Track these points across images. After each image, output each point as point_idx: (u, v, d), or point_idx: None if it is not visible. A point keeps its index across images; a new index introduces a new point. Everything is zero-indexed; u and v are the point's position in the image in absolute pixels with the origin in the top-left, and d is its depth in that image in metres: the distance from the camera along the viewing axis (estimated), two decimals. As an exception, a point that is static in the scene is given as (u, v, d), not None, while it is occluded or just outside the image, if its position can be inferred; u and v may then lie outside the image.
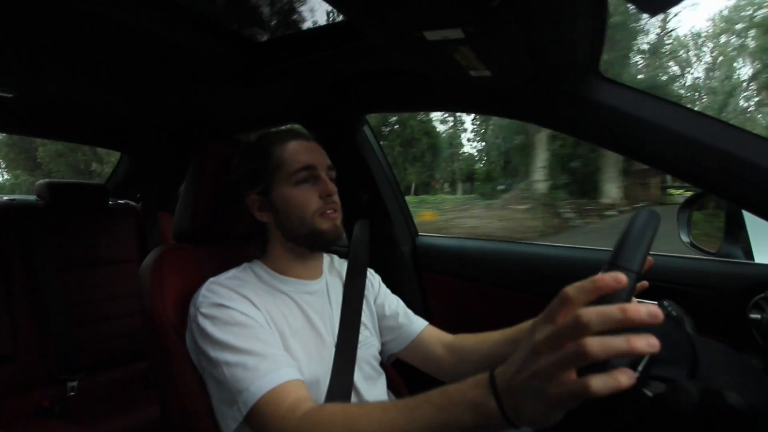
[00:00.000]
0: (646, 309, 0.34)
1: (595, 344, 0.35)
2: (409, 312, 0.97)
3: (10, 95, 1.30)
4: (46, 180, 1.56)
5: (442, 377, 0.89)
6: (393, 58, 0.97)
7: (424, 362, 0.91)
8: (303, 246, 0.80)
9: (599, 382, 0.35)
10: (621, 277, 0.37)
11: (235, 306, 0.69)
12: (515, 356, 0.43)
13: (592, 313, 0.35)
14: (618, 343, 0.34)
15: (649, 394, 0.38)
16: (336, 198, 0.80)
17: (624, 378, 0.34)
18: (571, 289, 0.38)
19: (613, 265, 0.45)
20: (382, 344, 0.93)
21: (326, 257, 0.93)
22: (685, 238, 1.05)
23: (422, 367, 0.92)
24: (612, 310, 0.35)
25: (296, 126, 1.46)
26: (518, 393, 0.41)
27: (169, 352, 0.74)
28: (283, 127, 1.05)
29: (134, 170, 1.99)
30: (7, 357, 1.29)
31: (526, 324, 0.80)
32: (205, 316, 0.68)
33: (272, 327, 0.71)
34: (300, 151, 0.79)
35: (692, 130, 0.75)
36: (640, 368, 0.39)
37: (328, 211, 0.78)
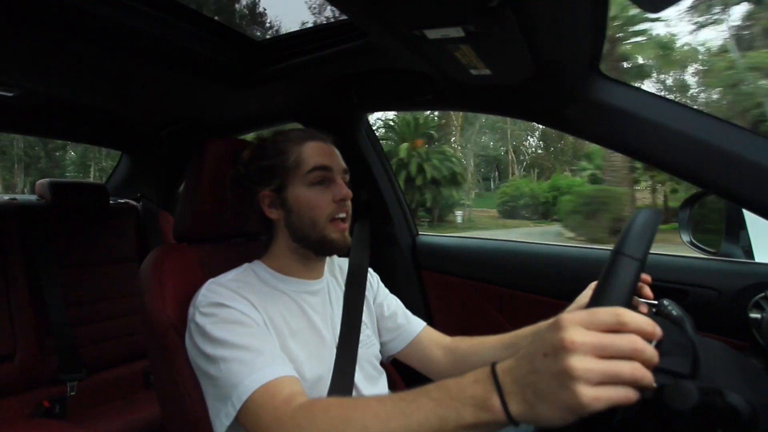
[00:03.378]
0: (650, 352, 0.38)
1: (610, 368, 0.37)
2: (408, 313, 0.97)
3: (11, 95, 1.30)
4: (47, 179, 1.56)
5: (438, 379, 0.89)
6: (393, 57, 0.97)
7: (421, 363, 0.92)
8: (309, 249, 0.80)
9: (604, 395, 0.36)
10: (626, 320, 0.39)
11: (235, 305, 0.69)
12: (526, 355, 0.42)
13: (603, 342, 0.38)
14: (626, 371, 0.37)
15: (654, 385, 0.38)
16: (349, 203, 0.80)
17: (626, 393, 0.37)
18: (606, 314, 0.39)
19: (618, 253, 0.45)
20: (381, 344, 0.93)
21: (327, 257, 0.93)
22: (685, 238, 1.05)
23: (419, 368, 0.92)
24: (625, 343, 0.38)
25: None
26: (529, 392, 0.40)
27: (169, 352, 0.74)
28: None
29: (134, 170, 1.99)
30: (7, 356, 1.29)
31: (524, 331, 0.81)
32: (204, 314, 0.68)
33: (270, 329, 0.71)
34: (318, 152, 0.79)
35: (693, 128, 0.75)
36: None
37: (341, 216, 0.78)
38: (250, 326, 0.68)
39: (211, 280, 0.74)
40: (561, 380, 0.37)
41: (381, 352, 0.92)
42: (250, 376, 0.61)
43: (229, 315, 0.68)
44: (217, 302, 0.69)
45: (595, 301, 0.44)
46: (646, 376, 0.37)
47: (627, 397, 0.36)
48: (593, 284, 0.78)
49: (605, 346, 0.37)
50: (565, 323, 0.39)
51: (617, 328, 0.38)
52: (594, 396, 0.36)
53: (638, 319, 0.38)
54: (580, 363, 0.36)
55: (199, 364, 0.68)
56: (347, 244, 0.80)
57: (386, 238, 1.42)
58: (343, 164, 0.83)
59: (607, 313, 0.39)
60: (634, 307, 0.65)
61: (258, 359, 0.63)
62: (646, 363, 0.38)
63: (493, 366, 0.45)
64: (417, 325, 0.94)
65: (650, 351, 0.38)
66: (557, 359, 0.38)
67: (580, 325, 0.38)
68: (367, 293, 0.92)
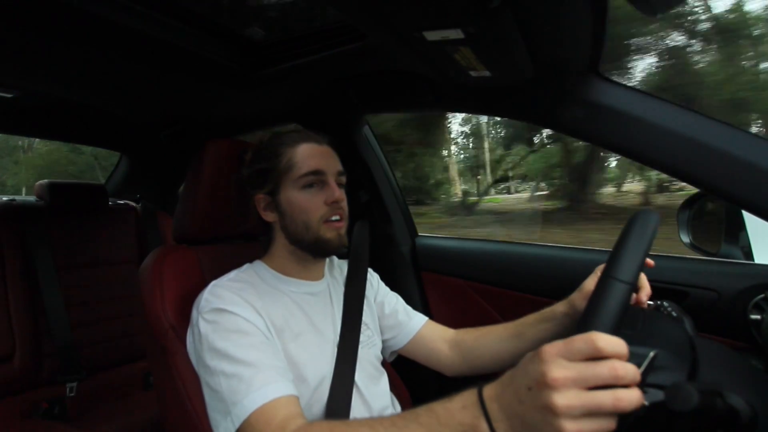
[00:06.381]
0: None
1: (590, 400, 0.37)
2: (409, 309, 0.97)
3: (10, 95, 1.30)
4: (47, 180, 1.55)
5: (446, 372, 0.90)
6: (393, 59, 0.97)
7: (426, 358, 0.92)
8: (305, 251, 0.80)
9: (587, 428, 0.37)
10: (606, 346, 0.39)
11: (238, 311, 0.69)
12: (511, 384, 0.42)
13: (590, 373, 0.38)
14: (606, 401, 0.37)
15: (646, 403, 0.38)
16: (343, 205, 0.79)
17: (608, 424, 0.37)
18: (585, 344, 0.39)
19: (607, 276, 0.45)
20: (384, 341, 0.93)
21: (326, 259, 0.93)
22: (685, 239, 1.05)
23: (425, 363, 0.92)
24: (603, 372, 0.38)
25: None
26: (516, 422, 0.41)
27: (169, 353, 0.74)
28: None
29: (134, 170, 1.99)
30: (6, 357, 1.28)
31: (528, 319, 0.81)
32: (207, 321, 0.68)
33: (273, 333, 0.71)
34: (310, 154, 0.78)
35: (692, 130, 0.75)
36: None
37: (334, 218, 0.78)
38: (252, 335, 0.68)
39: (213, 283, 0.74)
40: (545, 415, 0.38)
41: (385, 349, 0.93)
42: (248, 395, 0.61)
43: (232, 323, 0.67)
44: (220, 308, 0.68)
45: (582, 326, 0.44)
46: (630, 400, 0.37)
47: (609, 426, 0.37)
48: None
49: (586, 378, 0.38)
50: (545, 356, 0.39)
51: (595, 355, 0.38)
52: (577, 430, 0.37)
53: (615, 344, 0.39)
54: (562, 400, 0.37)
55: (201, 372, 0.69)
56: (343, 243, 0.79)
57: (386, 239, 1.42)
58: (338, 166, 0.81)
59: (582, 342, 0.39)
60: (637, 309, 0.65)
61: (257, 377, 0.63)
62: (629, 385, 0.38)
63: (480, 391, 0.45)
64: (419, 320, 0.94)
65: (631, 373, 0.38)
66: (540, 395, 0.38)
67: (560, 356, 0.39)
68: (367, 293, 0.92)
